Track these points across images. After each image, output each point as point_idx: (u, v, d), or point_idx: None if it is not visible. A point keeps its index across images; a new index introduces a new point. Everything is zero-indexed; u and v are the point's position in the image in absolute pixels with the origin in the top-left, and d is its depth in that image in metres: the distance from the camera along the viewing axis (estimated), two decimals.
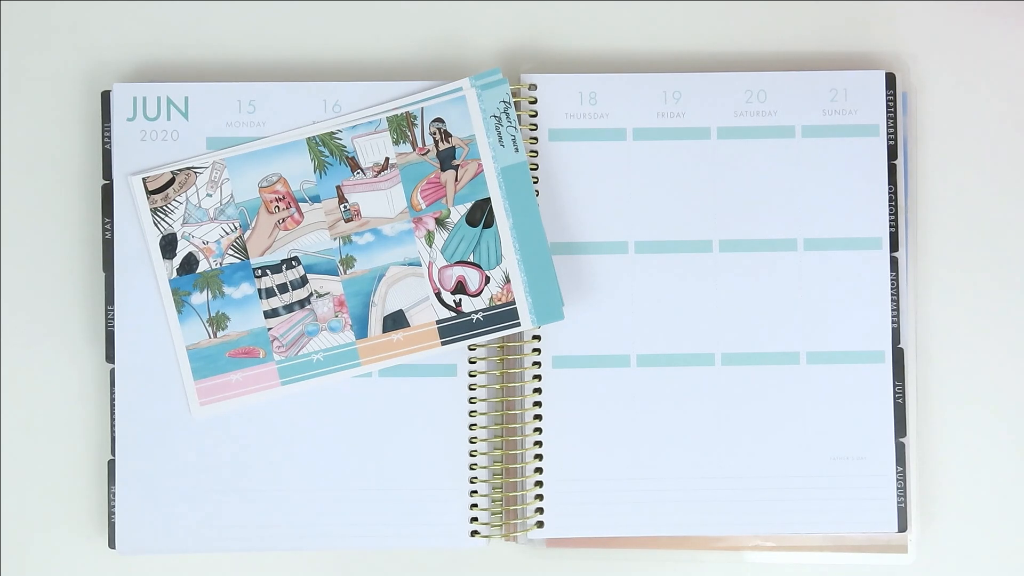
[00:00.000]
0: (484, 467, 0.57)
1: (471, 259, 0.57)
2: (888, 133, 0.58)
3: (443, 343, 0.57)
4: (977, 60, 0.60)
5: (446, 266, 0.57)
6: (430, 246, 0.57)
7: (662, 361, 0.57)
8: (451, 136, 0.57)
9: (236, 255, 0.57)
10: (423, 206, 0.57)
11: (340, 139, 0.57)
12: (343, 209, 0.57)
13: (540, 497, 0.57)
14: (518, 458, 0.57)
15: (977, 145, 0.60)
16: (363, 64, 0.60)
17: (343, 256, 0.57)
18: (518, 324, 0.57)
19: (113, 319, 0.57)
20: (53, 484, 0.59)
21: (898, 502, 0.57)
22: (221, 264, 0.57)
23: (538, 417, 0.57)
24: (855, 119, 0.58)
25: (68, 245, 0.59)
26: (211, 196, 0.57)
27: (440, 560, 0.59)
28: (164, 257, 0.57)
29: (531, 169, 0.58)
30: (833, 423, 0.57)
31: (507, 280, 0.57)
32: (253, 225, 0.57)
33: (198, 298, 0.57)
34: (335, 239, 0.57)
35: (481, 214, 0.57)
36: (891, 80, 0.59)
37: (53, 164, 0.59)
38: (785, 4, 0.60)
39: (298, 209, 0.57)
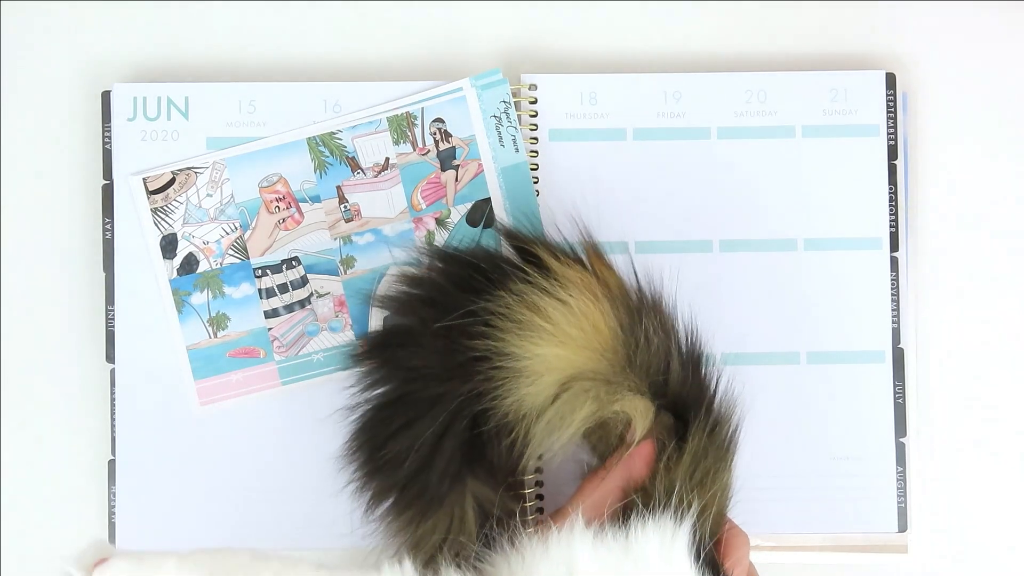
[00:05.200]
0: None
1: None
2: (888, 133, 0.58)
3: None
4: (977, 60, 0.60)
5: None
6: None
7: None
8: (451, 136, 0.57)
9: (236, 255, 0.57)
10: (423, 206, 0.57)
11: (340, 139, 0.57)
12: (343, 209, 0.57)
13: (541, 497, 0.57)
14: None
15: (977, 145, 0.60)
16: (363, 64, 0.60)
17: (343, 256, 0.57)
18: None
19: (113, 319, 0.57)
20: (53, 484, 0.58)
21: (898, 502, 0.57)
22: (221, 264, 0.57)
23: None
24: (855, 119, 0.58)
25: (68, 245, 0.59)
26: (211, 196, 0.57)
27: None
28: (164, 257, 0.57)
29: (531, 169, 0.58)
30: (833, 423, 0.57)
31: None
32: (253, 225, 0.57)
33: (198, 298, 0.57)
34: (335, 239, 0.57)
35: (481, 214, 0.57)
36: (891, 80, 0.59)
37: (53, 164, 0.59)
38: (785, 4, 0.60)
39: (298, 209, 0.57)
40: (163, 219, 0.57)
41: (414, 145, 0.57)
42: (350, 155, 0.57)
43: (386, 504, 0.52)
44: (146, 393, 0.57)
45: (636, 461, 0.50)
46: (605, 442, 0.52)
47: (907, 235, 0.59)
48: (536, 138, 0.58)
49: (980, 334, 0.59)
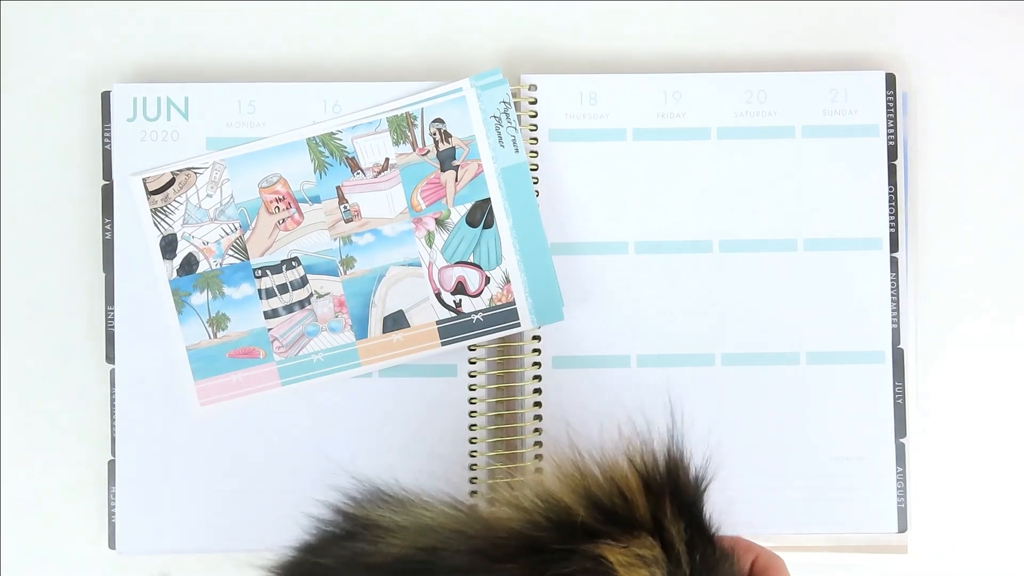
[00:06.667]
0: (484, 467, 0.57)
1: (471, 259, 0.57)
2: (888, 133, 0.58)
3: (443, 343, 0.57)
4: (977, 60, 0.60)
5: (446, 266, 0.57)
6: (430, 246, 0.57)
7: (662, 361, 0.57)
8: (451, 136, 0.57)
9: (236, 255, 0.57)
10: (423, 206, 0.57)
11: (340, 139, 0.57)
12: (343, 209, 0.57)
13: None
14: (518, 458, 0.57)
15: (977, 145, 0.60)
16: (363, 64, 0.60)
17: (343, 256, 0.57)
18: (518, 324, 0.57)
19: (113, 319, 0.57)
20: (53, 484, 0.59)
21: (898, 502, 0.57)
22: (221, 264, 0.57)
23: (538, 417, 0.57)
24: (855, 119, 0.58)
25: (68, 245, 0.59)
26: (211, 196, 0.57)
27: None
28: (164, 257, 0.57)
29: (531, 169, 0.58)
30: (833, 423, 0.57)
31: (507, 280, 0.57)
32: (253, 225, 0.57)
33: (198, 298, 0.57)
34: (335, 239, 0.57)
35: (481, 214, 0.57)
36: (891, 80, 0.59)
37: (53, 164, 0.59)
38: (785, 4, 0.60)
39: (298, 209, 0.57)
40: (163, 219, 0.57)
41: (414, 145, 0.57)
42: (350, 155, 0.57)
43: None
44: (146, 393, 0.57)
45: None
46: None
47: (907, 235, 0.59)
48: (536, 138, 0.58)
49: (980, 334, 0.59)
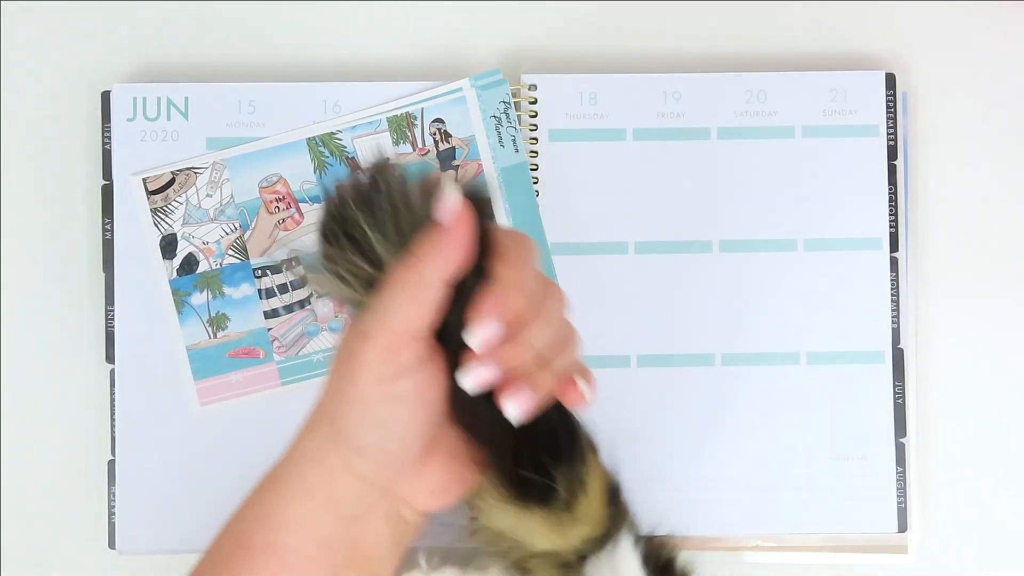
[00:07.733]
0: None
1: None
2: (888, 133, 0.58)
3: None
4: (977, 60, 0.60)
5: None
6: None
7: (662, 361, 0.57)
8: (451, 136, 0.57)
9: (236, 255, 0.57)
10: None
11: (340, 139, 0.57)
12: None
13: None
14: None
15: (977, 145, 0.60)
16: (363, 64, 0.60)
17: None
18: None
19: (113, 319, 0.57)
20: (53, 484, 0.59)
21: (898, 502, 0.57)
22: (221, 264, 0.57)
23: None
24: (855, 119, 0.58)
25: (68, 245, 0.59)
26: (211, 196, 0.57)
27: (441, 558, 0.59)
28: (164, 257, 0.57)
29: (531, 169, 0.58)
30: (833, 423, 0.57)
31: None
32: (253, 225, 0.57)
33: (198, 298, 0.57)
34: None
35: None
36: (891, 80, 0.59)
37: (53, 164, 0.59)
38: (785, 4, 0.60)
39: (298, 209, 0.57)
40: (163, 219, 0.57)
41: (414, 145, 0.57)
42: (350, 155, 0.57)
43: None
44: (146, 393, 0.57)
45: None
46: None
47: (907, 235, 0.59)
48: (536, 138, 0.58)
49: (980, 334, 0.59)
